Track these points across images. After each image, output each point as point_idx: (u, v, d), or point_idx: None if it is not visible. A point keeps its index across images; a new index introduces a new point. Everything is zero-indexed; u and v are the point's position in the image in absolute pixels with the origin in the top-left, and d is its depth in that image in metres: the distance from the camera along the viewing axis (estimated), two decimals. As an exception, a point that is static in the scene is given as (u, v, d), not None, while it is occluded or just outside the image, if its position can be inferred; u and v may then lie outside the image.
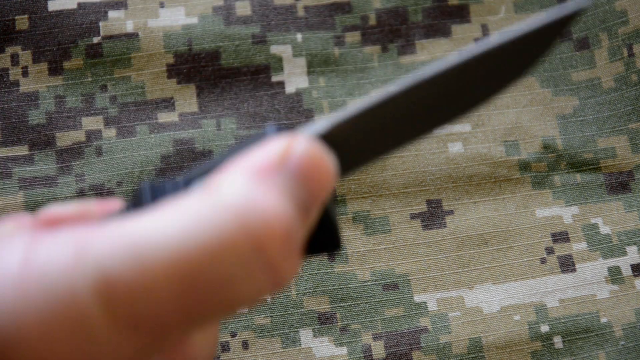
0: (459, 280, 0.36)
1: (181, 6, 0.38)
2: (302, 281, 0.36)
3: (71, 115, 0.37)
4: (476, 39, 0.39)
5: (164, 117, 0.37)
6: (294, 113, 0.38)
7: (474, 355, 0.35)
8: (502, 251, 0.37)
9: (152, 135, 0.37)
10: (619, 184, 0.38)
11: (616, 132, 0.38)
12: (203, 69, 0.38)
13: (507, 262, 0.37)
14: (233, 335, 0.35)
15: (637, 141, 0.38)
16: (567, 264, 0.37)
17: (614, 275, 0.37)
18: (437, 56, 0.39)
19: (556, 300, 0.36)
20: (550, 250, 0.37)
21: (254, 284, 0.16)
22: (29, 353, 0.14)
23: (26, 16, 0.37)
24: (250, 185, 0.16)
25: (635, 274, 0.37)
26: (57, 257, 0.15)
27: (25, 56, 0.37)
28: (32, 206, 0.35)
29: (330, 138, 0.18)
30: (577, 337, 0.36)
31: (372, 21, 0.39)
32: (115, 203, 0.21)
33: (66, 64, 0.37)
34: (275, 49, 0.38)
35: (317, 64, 0.38)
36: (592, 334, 0.36)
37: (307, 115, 0.38)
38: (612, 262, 0.37)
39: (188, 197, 0.16)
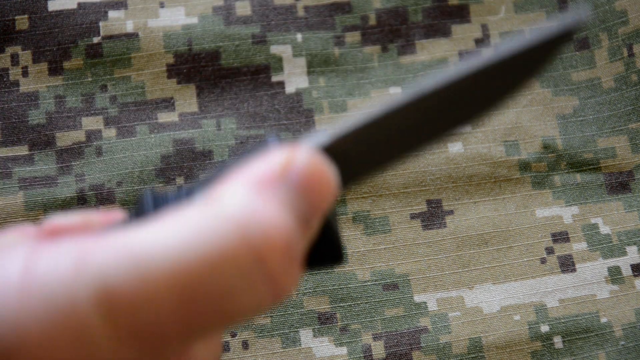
0: (459, 280, 0.36)
1: (181, 6, 0.38)
2: (302, 281, 0.36)
3: (71, 115, 0.37)
4: (476, 39, 0.39)
5: (164, 117, 0.37)
6: (294, 113, 0.38)
7: (474, 355, 0.35)
8: (502, 251, 0.37)
9: (152, 135, 0.37)
10: (619, 184, 0.38)
11: (616, 132, 0.38)
12: (203, 69, 0.38)
13: (507, 262, 0.37)
14: (233, 335, 0.35)
15: (637, 141, 0.38)
16: (567, 264, 0.37)
17: (614, 275, 0.37)
18: (437, 56, 0.39)
19: (556, 300, 0.36)
20: (550, 250, 0.37)
21: (254, 295, 0.16)
22: None
23: (26, 16, 0.37)
24: (251, 196, 0.16)
25: (635, 274, 0.37)
26: (57, 268, 0.15)
27: (25, 56, 0.37)
28: (32, 206, 0.35)
29: (332, 149, 0.18)
30: (577, 337, 0.36)
31: (372, 21, 0.39)
32: (117, 213, 0.21)
33: (66, 64, 0.37)
34: (275, 49, 0.38)
35: (317, 64, 0.38)
36: (592, 334, 0.36)
37: (307, 115, 0.38)
38: (612, 262, 0.37)
39: (189, 207, 0.16)
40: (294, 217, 0.16)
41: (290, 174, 0.17)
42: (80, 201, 0.35)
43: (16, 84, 0.37)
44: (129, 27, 0.37)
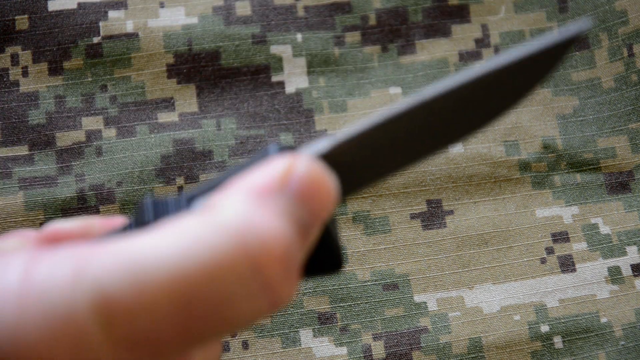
0: (459, 280, 0.36)
1: (181, 6, 0.38)
2: (302, 281, 0.36)
3: (71, 115, 0.37)
4: (476, 39, 0.39)
5: (164, 117, 0.37)
6: (294, 113, 0.38)
7: (474, 355, 0.35)
8: (502, 251, 0.37)
9: (152, 135, 0.37)
10: (619, 184, 0.38)
11: (616, 132, 0.38)
12: (203, 69, 0.38)
13: (507, 262, 0.37)
14: (233, 335, 0.35)
15: (637, 141, 0.38)
16: (567, 264, 0.37)
17: (614, 275, 0.37)
18: (437, 56, 0.39)
19: (556, 300, 0.36)
20: (550, 250, 0.37)
21: (252, 304, 0.16)
22: None
23: (26, 16, 0.37)
24: (249, 206, 0.16)
25: (635, 274, 0.37)
26: (56, 275, 0.15)
27: (25, 56, 0.37)
28: (32, 206, 0.35)
29: (332, 158, 0.18)
30: (577, 337, 0.36)
31: (372, 21, 0.39)
32: (118, 219, 0.21)
33: (66, 64, 0.37)
34: (275, 49, 0.38)
35: (317, 64, 0.38)
36: (592, 334, 0.36)
37: (307, 115, 0.38)
38: (612, 262, 0.37)
39: (187, 217, 0.16)
40: (293, 226, 0.16)
41: (290, 183, 0.17)
42: (80, 201, 0.35)
43: (16, 84, 0.37)
44: (129, 27, 0.37)
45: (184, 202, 0.18)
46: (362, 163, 0.19)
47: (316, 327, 0.35)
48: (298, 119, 0.38)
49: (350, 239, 0.36)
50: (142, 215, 0.18)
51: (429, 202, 0.37)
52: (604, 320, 0.36)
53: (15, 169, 0.36)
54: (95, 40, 0.37)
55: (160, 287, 0.15)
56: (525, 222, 0.37)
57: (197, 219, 0.16)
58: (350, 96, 0.38)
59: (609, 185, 0.38)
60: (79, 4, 0.37)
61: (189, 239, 0.16)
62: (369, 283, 0.36)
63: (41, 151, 0.36)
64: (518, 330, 0.36)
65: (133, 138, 0.36)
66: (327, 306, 0.35)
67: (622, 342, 0.36)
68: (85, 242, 0.16)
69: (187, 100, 0.37)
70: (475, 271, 0.36)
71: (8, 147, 0.36)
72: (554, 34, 0.18)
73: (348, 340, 0.35)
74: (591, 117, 0.39)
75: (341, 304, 0.35)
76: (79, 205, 0.35)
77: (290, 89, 0.38)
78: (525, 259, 0.37)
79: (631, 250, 0.37)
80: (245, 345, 0.35)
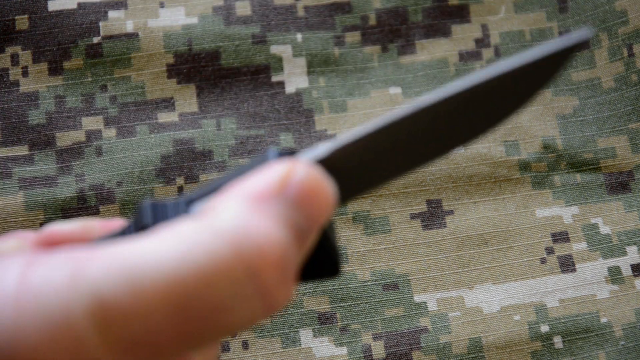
0: (459, 280, 0.36)
1: (181, 6, 0.38)
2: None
3: (71, 115, 0.37)
4: (476, 39, 0.39)
5: (164, 117, 0.37)
6: (294, 113, 0.38)
7: (474, 355, 0.35)
8: (502, 251, 0.37)
9: (152, 135, 0.37)
10: (619, 184, 0.38)
11: (616, 132, 0.38)
12: (203, 69, 0.38)
13: (507, 262, 0.37)
14: (233, 335, 0.35)
15: (637, 141, 0.38)
16: (567, 264, 0.37)
17: (614, 275, 0.37)
18: (437, 56, 0.39)
19: (556, 300, 0.36)
20: (550, 250, 0.37)
21: (248, 308, 0.16)
22: None
23: (26, 16, 0.37)
24: (246, 211, 0.16)
25: (635, 274, 0.37)
26: (53, 279, 0.15)
27: (25, 56, 0.37)
28: (32, 206, 0.35)
29: (332, 163, 0.18)
30: (577, 337, 0.36)
31: (372, 21, 0.39)
32: (116, 222, 0.21)
33: (66, 64, 0.37)
34: (275, 49, 0.38)
35: (317, 64, 0.38)
36: (592, 334, 0.36)
37: (307, 115, 0.38)
38: (612, 262, 0.37)
39: (184, 221, 0.16)
40: (290, 231, 0.16)
41: (288, 188, 0.17)
42: (80, 201, 0.35)
43: (16, 84, 0.37)
44: (129, 27, 0.37)
45: (183, 205, 0.18)
46: (362, 168, 0.19)
47: (316, 327, 0.35)
48: (298, 119, 0.38)
49: (350, 239, 0.36)
50: (141, 218, 0.18)
51: (429, 202, 0.37)
52: (604, 320, 0.36)
53: (15, 169, 0.36)
54: (95, 40, 0.37)
55: (156, 291, 0.15)
56: (525, 222, 0.37)
57: (193, 223, 0.16)
58: (350, 96, 0.38)
59: (609, 185, 0.38)
60: (79, 4, 0.37)
61: (185, 243, 0.16)
62: (369, 283, 0.36)
63: (41, 151, 0.36)
64: (518, 330, 0.36)
65: (133, 138, 0.36)
66: (327, 306, 0.35)
67: (622, 342, 0.36)
68: (82, 246, 0.16)
69: (187, 100, 0.37)
70: (475, 271, 0.36)
71: (8, 147, 0.36)
72: (556, 41, 0.18)
73: (348, 340, 0.35)
74: (591, 117, 0.39)
75: (341, 304, 0.35)
76: (79, 205, 0.35)
77: (290, 89, 0.38)
78: (525, 259, 0.37)
79: (631, 250, 0.37)
80: (245, 345, 0.35)
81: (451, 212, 0.37)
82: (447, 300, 0.36)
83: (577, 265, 0.37)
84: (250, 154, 0.37)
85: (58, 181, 0.36)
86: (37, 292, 0.15)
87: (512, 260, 0.37)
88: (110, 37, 0.37)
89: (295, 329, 0.35)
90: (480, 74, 0.18)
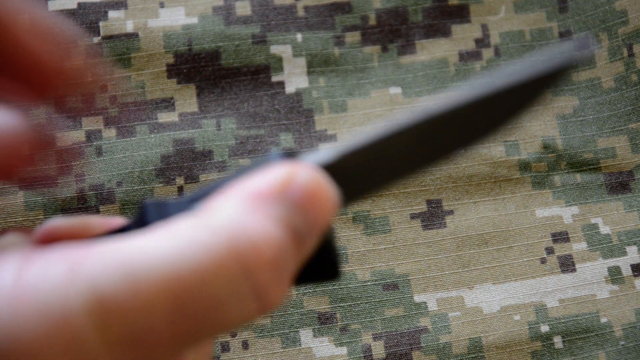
0: (459, 280, 0.36)
1: (181, 6, 0.38)
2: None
3: (71, 115, 0.37)
4: (476, 39, 0.39)
5: (164, 117, 0.37)
6: (294, 113, 0.38)
7: (474, 355, 0.35)
8: (502, 251, 0.37)
9: (152, 135, 0.37)
10: (619, 184, 0.38)
11: (616, 132, 0.38)
12: (203, 69, 0.38)
13: (507, 262, 0.37)
14: (233, 335, 0.35)
15: (637, 141, 0.38)
16: (567, 264, 0.37)
17: (614, 275, 0.37)
18: (437, 56, 0.39)
19: (556, 300, 0.36)
20: (550, 250, 0.37)
21: (242, 306, 0.16)
22: None
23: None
24: (244, 209, 0.16)
25: (635, 274, 0.37)
26: (50, 275, 0.15)
27: (25, 56, 0.37)
28: (32, 206, 0.35)
29: (335, 168, 0.18)
30: (577, 337, 0.36)
31: (372, 21, 0.39)
32: (117, 220, 0.21)
33: (66, 64, 0.37)
34: (275, 49, 0.38)
35: (317, 64, 0.38)
36: (592, 334, 0.36)
37: (307, 115, 0.38)
38: (612, 262, 0.37)
39: (182, 219, 0.16)
40: (287, 233, 0.17)
41: (290, 191, 0.17)
42: (80, 201, 0.35)
43: (16, 84, 0.37)
44: (129, 27, 0.37)
45: (185, 205, 0.18)
46: (366, 173, 0.19)
47: (316, 327, 0.35)
48: (298, 119, 0.38)
49: (350, 239, 0.36)
50: (142, 216, 0.18)
51: (429, 202, 0.37)
52: (604, 320, 0.36)
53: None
54: (95, 40, 0.37)
55: (154, 288, 0.15)
56: (525, 222, 0.37)
57: (191, 221, 0.16)
58: (350, 96, 0.38)
59: (609, 185, 0.38)
60: (79, 4, 0.37)
61: (182, 240, 0.16)
62: (369, 283, 0.36)
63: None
64: (518, 330, 0.36)
65: (133, 138, 0.36)
66: (327, 306, 0.35)
67: (622, 342, 0.36)
68: (80, 243, 0.16)
69: (187, 100, 0.37)
70: (475, 271, 0.36)
71: (8, 147, 0.36)
72: (558, 53, 0.18)
73: (348, 340, 0.35)
74: (591, 117, 0.39)
75: (341, 304, 0.35)
76: (79, 205, 0.35)
77: (290, 89, 0.38)
78: (525, 259, 0.37)
79: (631, 250, 0.37)
80: (245, 345, 0.35)
81: (451, 212, 0.37)
82: (447, 300, 0.36)
83: (577, 265, 0.37)
84: (250, 154, 0.37)
85: (58, 181, 0.36)
86: (35, 288, 0.15)
87: (512, 260, 0.37)
88: (110, 37, 0.37)
89: (295, 329, 0.35)
90: (487, 82, 0.18)
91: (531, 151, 0.38)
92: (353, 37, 0.39)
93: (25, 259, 0.16)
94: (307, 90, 0.38)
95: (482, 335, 0.35)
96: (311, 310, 0.35)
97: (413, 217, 0.37)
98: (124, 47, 0.37)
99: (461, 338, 0.35)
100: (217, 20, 0.38)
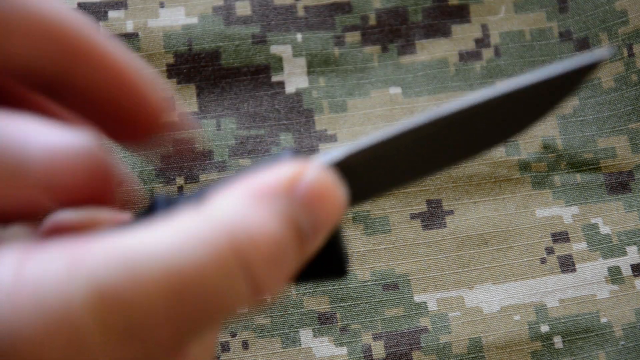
0: (459, 280, 0.36)
1: (181, 6, 0.38)
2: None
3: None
4: (476, 39, 0.39)
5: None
6: (294, 113, 0.38)
7: (474, 355, 0.35)
8: (502, 251, 0.37)
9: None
10: (619, 184, 0.38)
11: (616, 132, 0.38)
12: (203, 69, 0.38)
13: (507, 262, 0.37)
14: (233, 335, 0.35)
15: (637, 141, 0.38)
16: (567, 264, 0.37)
17: (614, 275, 0.37)
18: (437, 56, 0.39)
19: (556, 300, 0.36)
20: (550, 250, 0.37)
21: (238, 299, 0.16)
22: None
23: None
24: (246, 204, 0.16)
25: (635, 274, 0.37)
26: (50, 270, 0.15)
27: (25, 56, 0.37)
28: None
29: (345, 167, 0.18)
30: (577, 337, 0.36)
31: (372, 21, 0.39)
32: (125, 214, 0.21)
33: (66, 64, 0.37)
34: (275, 49, 0.38)
35: (317, 64, 0.38)
36: (592, 334, 0.36)
37: (307, 115, 0.38)
38: (612, 262, 0.37)
39: (184, 212, 0.16)
40: (290, 229, 0.17)
41: (296, 188, 0.17)
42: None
43: (16, 84, 0.37)
44: (129, 27, 0.37)
45: (195, 200, 0.18)
46: (375, 174, 0.19)
47: (316, 327, 0.35)
48: (298, 119, 0.38)
49: (350, 239, 0.36)
50: (152, 211, 0.18)
51: (429, 202, 0.37)
52: (604, 320, 0.36)
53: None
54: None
55: (154, 282, 0.15)
56: (525, 222, 0.37)
57: (192, 214, 0.16)
58: (350, 96, 0.38)
59: (609, 185, 0.38)
60: (79, 4, 0.37)
61: (182, 234, 0.16)
62: (369, 283, 0.36)
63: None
64: (518, 330, 0.36)
65: (133, 138, 0.36)
66: (327, 306, 0.35)
67: (622, 342, 0.36)
68: (81, 237, 0.16)
69: (187, 100, 0.37)
70: (475, 271, 0.36)
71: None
72: (578, 58, 0.18)
73: (348, 340, 0.35)
74: (591, 117, 0.39)
75: (341, 304, 0.35)
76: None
77: (290, 89, 0.38)
78: (525, 259, 0.37)
79: (631, 250, 0.37)
80: (245, 345, 0.35)
81: (451, 212, 0.37)
82: (447, 300, 0.36)
83: (577, 265, 0.37)
84: (250, 154, 0.37)
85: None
86: (35, 283, 0.15)
87: (512, 260, 0.37)
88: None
89: (295, 329, 0.35)
90: (503, 86, 0.18)
91: (531, 151, 0.38)
92: (353, 37, 0.39)
93: (25, 253, 0.15)
94: (307, 90, 0.38)
95: (482, 335, 0.35)
96: (311, 310, 0.35)
97: (413, 217, 0.37)
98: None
99: (461, 338, 0.35)
100: (217, 20, 0.38)
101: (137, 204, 0.23)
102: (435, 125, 0.18)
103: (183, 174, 0.36)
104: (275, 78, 0.38)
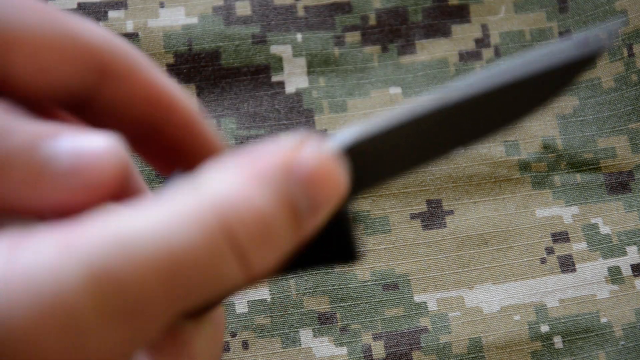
0: (459, 280, 0.36)
1: (181, 6, 0.38)
2: (302, 281, 0.36)
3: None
4: (476, 39, 0.39)
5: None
6: (294, 113, 0.38)
7: (474, 355, 0.35)
8: (502, 251, 0.37)
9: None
10: (619, 184, 0.38)
11: (616, 132, 0.38)
12: (203, 69, 0.38)
13: (507, 262, 0.37)
14: (233, 335, 0.35)
15: (637, 141, 0.38)
16: (567, 264, 0.37)
17: (614, 275, 0.37)
18: (437, 56, 0.39)
19: (556, 300, 0.36)
20: (550, 250, 0.37)
21: (229, 275, 0.16)
22: (19, 353, 0.14)
23: (26, 16, 0.37)
24: (237, 178, 0.16)
25: (635, 274, 0.37)
26: (42, 255, 0.15)
27: (25, 56, 0.37)
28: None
29: (351, 151, 0.18)
30: (577, 337, 0.36)
31: (372, 21, 0.39)
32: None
33: (66, 64, 0.37)
34: (275, 49, 0.38)
35: (317, 64, 0.38)
36: (592, 334, 0.36)
37: (307, 115, 0.38)
38: (612, 262, 0.37)
39: (177, 190, 0.16)
40: (282, 205, 0.16)
41: (295, 165, 0.16)
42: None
43: (16, 84, 0.37)
44: (129, 27, 0.37)
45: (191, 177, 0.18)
46: (381, 159, 0.18)
47: (316, 327, 0.35)
48: (298, 119, 0.38)
49: (350, 239, 0.36)
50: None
51: (429, 202, 0.37)
52: (604, 320, 0.36)
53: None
54: (95, 40, 0.37)
55: (148, 261, 0.15)
56: (525, 222, 0.37)
57: (185, 191, 0.16)
58: (350, 96, 0.38)
59: (609, 185, 0.38)
60: (79, 4, 0.37)
61: (173, 212, 0.16)
62: (369, 283, 0.36)
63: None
64: (518, 330, 0.36)
65: (133, 138, 0.36)
66: (327, 306, 0.35)
67: (622, 342, 0.36)
68: (70, 221, 0.16)
69: (187, 100, 0.37)
70: (475, 271, 0.36)
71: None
72: (581, 40, 0.18)
73: (348, 340, 0.35)
74: (591, 117, 0.39)
75: (341, 304, 0.35)
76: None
77: (290, 89, 0.38)
78: (525, 259, 0.37)
79: (631, 250, 0.37)
80: (245, 345, 0.35)
81: (451, 212, 0.37)
82: (447, 300, 0.36)
83: (577, 265, 0.37)
84: (250, 154, 0.37)
85: None
86: (26, 270, 0.15)
87: (512, 260, 0.37)
88: (110, 37, 0.37)
89: (295, 329, 0.35)
90: (507, 70, 0.18)
91: (531, 151, 0.38)
92: (353, 37, 0.39)
93: (13, 244, 0.15)
94: (307, 90, 0.38)
95: (482, 335, 0.35)
96: (311, 310, 0.35)
97: (413, 217, 0.37)
98: (124, 47, 0.37)
99: (461, 338, 0.35)
100: (217, 20, 0.38)
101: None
102: (445, 108, 0.18)
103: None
104: (275, 78, 0.38)
